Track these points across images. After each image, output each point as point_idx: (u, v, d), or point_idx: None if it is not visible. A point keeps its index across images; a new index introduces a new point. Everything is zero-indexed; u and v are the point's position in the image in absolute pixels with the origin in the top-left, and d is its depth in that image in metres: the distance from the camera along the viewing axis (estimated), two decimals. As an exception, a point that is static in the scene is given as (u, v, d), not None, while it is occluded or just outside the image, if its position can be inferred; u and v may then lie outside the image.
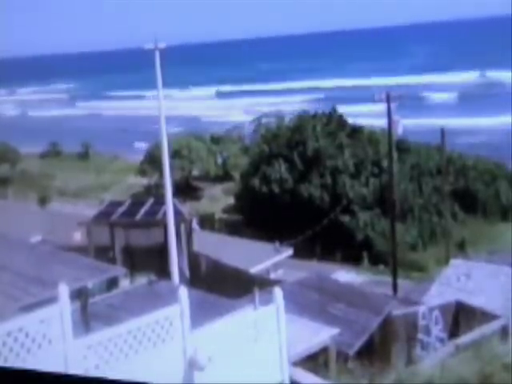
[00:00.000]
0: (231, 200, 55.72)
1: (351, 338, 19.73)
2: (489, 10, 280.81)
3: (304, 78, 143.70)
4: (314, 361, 16.65)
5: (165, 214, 28.56)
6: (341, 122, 52.18)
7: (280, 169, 48.61)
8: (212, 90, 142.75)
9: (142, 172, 63.37)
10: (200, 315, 11.80)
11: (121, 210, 32.96)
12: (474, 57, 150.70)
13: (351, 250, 42.42)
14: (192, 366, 10.86)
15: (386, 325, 21.14)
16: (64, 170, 70.12)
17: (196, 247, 31.97)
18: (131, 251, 30.81)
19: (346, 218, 44.88)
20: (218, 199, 59.47)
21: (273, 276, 32.75)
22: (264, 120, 68.13)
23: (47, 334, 9.83)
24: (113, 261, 29.11)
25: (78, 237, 33.16)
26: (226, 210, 55.88)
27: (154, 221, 31.26)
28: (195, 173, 64.96)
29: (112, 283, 23.16)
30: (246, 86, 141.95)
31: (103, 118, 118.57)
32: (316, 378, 13.87)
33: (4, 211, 39.02)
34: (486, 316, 20.58)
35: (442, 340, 21.11)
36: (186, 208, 36.69)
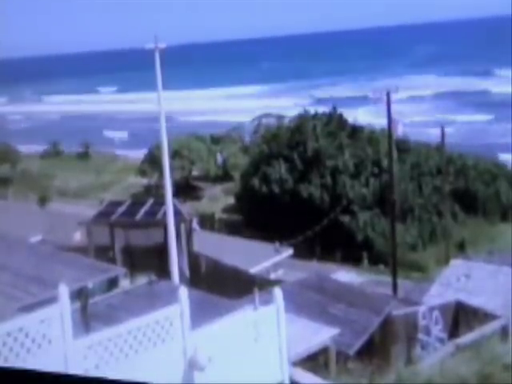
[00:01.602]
0: (231, 200, 55.73)
1: (351, 338, 19.73)
2: (489, 10, 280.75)
3: (305, 78, 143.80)
4: (313, 361, 16.65)
5: (165, 214, 28.55)
6: (341, 121, 52.19)
7: (280, 169, 48.62)
8: (213, 89, 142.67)
9: (141, 172, 63.39)
10: (200, 315, 11.81)
11: (121, 210, 32.94)
12: (476, 57, 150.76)
13: (351, 250, 42.42)
14: (192, 365, 10.86)
15: (386, 325, 21.14)
16: (64, 170, 70.12)
17: (196, 247, 31.96)
18: (131, 251, 30.80)
19: (345, 218, 44.89)
20: (218, 199, 59.48)
21: (273, 276, 32.74)
22: (264, 120, 68.15)
23: (47, 334, 9.83)
24: (113, 261, 29.09)
25: (78, 237, 33.16)
26: (226, 210, 55.90)
27: (154, 221, 31.24)
28: (195, 173, 64.97)
29: (112, 283, 23.15)
30: (246, 85, 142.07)
31: (102, 117, 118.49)
32: (316, 377, 13.87)
33: (4, 211, 39.00)
34: (485, 316, 20.59)
35: (441, 340, 21.11)
36: (186, 208, 36.70)
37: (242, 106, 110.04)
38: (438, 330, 21.56)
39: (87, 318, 16.99)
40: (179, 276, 27.70)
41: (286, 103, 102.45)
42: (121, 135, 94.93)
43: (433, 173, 48.29)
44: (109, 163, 75.06)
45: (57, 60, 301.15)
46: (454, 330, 21.59)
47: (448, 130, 43.48)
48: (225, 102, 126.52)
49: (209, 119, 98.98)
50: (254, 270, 31.86)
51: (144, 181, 63.34)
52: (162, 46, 26.96)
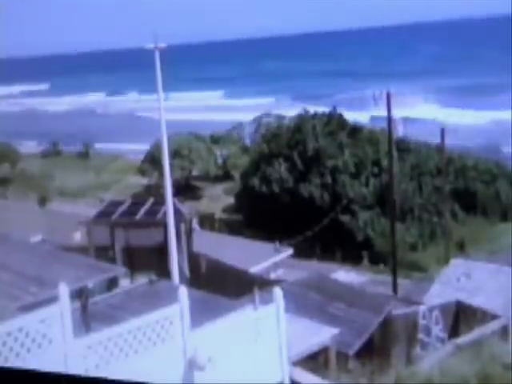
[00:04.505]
0: (231, 200, 55.75)
1: (351, 338, 19.73)
2: (491, 10, 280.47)
3: (305, 78, 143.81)
4: (313, 361, 16.65)
5: (165, 214, 28.55)
6: (341, 121, 52.21)
7: (280, 168, 48.64)
8: (213, 90, 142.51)
9: (142, 172, 63.44)
10: (200, 315, 11.81)
11: (121, 209, 32.95)
12: (476, 57, 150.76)
13: (351, 250, 42.44)
14: (192, 365, 10.86)
15: (386, 324, 21.15)
16: (64, 170, 70.15)
17: (196, 247, 31.97)
18: (131, 251, 30.80)
19: (346, 218, 44.90)
20: (218, 199, 59.51)
21: (273, 276, 32.74)
22: (264, 120, 68.17)
23: (47, 334, 9.83)
24: (113, 260, 29.09)
25: (78, 237, 33.17)
26: (226, 210, 55.93)
27: (154, 221, 31.24)
28: (195, 173, 64.99)
29: (112, 283, 23.15)
30: (245, 86, 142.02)
31: (103, 117, 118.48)
32: (316, 377, 13.86)
33: (4, 211, 39.00)
34: (486, 316, 20.59)
35: (442, 340, 21.11)
36: (186, 208, 36.69)
37: (242, 105, 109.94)
38: (438, 329, 21.57)
39: (87, 318, 16.98)
40: (179, 276, 27.70)
41: (286, 103, 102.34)
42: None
43: (433, 173, 48.30)
44: (109, 163, 75.09)
45: (57, 60, 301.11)
46: (454, 330, 21.60)
47: (449, 129, 43.34)
48: (225, 102, 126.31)
49: (209, 119, 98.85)
50: (253, 269, 31.87)
51: (144, 180, 63.39)
52: (162, 45, 26.92)
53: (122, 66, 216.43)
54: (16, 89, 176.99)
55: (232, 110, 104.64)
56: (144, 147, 65.09)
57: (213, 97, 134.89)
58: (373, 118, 52.02)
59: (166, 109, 28.32)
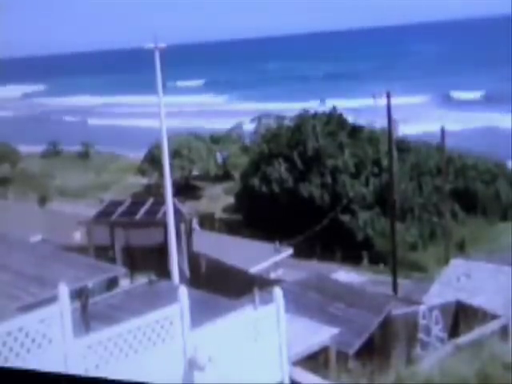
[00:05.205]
0: (231, 200, 55.75)
1: (351, 338, 19.73)
2: (492, 10, 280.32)
3: (305, 79, 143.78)
4: (313, 361, 16.64)
5: (165, 214, 28.53)
6: (341, 121, 52.21)
7: (280, 168, 48.64)
8: (214, 93, 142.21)
9: (142, 171, 63.43)
10: (200, 315, 11.80)
11: (121, 209, 32.94)
12: (476, 56, 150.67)
13: (351, 250, 42.43)
14: (192, 365, 10.86)
15: (386, 324, 21.15)
16: (64, 170, 70.14)
17: (196, 247, 31.96)
18: (131, 251, 30.79)
19: (346, 218, 44.89)
20: (218, 199, 59.52)
21: (273, 276, 32.74)
22: (264, 120, 68.15)
23: (47, 334, 9.83)
24: (113, 260, 29.08)
25: (78, 236, 33.16)
26: (226, 210, 55.93)
27: (154, 220, 31.23)
28: (195, 172, 65.00)
29: (112, 283, 23.14)
30: (246, 86, 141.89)
31: (103, 117, 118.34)
32: (316, 377, 13.86)
33: (4, 211, 39.00)
34: (485, 316, 20.58)
35: (441, 340, 21.11)
36: (186, 208, 36.67)
37: (243, 107, 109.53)
38: (438, 329, 21.57)
39: (87, 318, 16.97)
40: (179, 276, 27.69)
41: (286, 104, 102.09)
42: None
43: (433, 173, 48.31)
44: (109, 163, 75.09)
45: (57, 60, 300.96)
46: (453, 330, 21.59)
47: (449, 129, 43.32)
48: (228, 106, 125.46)
49: (209, 120, 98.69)
50: (253, 269, 31.86)
51: (144, 180, 63.38)
52: (162, 45, 26.88)
53: (120, 68, 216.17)
54: (11, 89, 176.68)
55: (235, 115, 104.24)
56: (137, 152, 65.11)
57: (215, 102, 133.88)
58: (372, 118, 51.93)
59: (167, 114, 28.29)
